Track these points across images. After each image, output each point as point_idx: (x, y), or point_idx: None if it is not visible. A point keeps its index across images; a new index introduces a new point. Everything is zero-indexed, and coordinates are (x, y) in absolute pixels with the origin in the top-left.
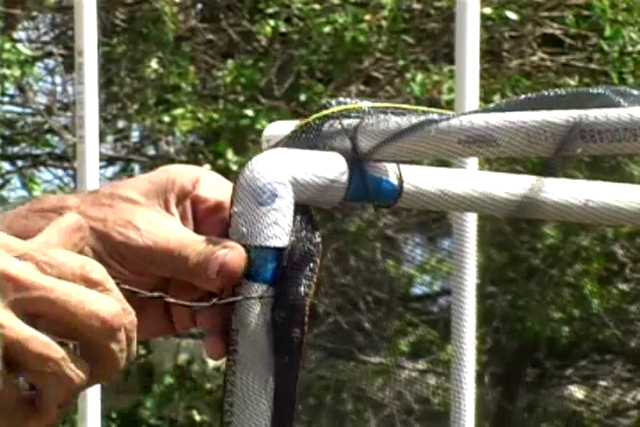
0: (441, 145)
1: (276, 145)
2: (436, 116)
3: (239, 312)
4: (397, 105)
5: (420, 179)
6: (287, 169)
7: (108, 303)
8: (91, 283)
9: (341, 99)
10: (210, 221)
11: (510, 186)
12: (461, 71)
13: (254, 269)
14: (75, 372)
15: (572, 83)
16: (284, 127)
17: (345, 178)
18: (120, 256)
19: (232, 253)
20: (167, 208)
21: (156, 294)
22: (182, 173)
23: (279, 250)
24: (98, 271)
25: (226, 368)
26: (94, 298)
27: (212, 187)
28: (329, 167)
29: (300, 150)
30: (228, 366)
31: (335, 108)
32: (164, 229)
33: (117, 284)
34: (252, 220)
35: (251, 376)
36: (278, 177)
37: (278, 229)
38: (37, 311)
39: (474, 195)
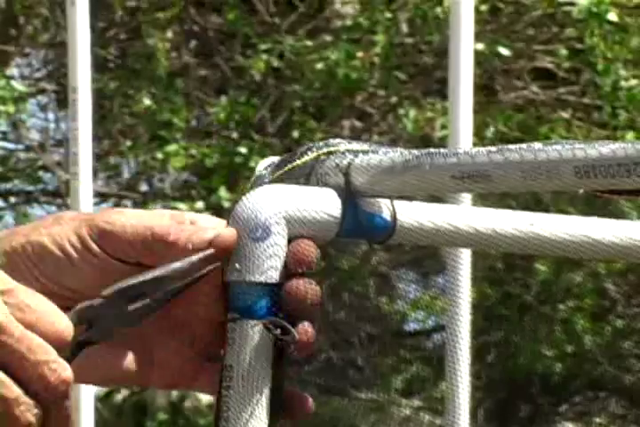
0: (434, 181)
1: (269, 181)
2: (429, 152)
3: (234, 348)
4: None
5: (413, 215)
6: (281, 205)
7: (62, 370)
8: (57, 343)
9: (332, 140)
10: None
11: (504, 222)
12: (455, 108)
13: (249, 304)
14: (24, 415)
15: (566, 116)
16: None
17: (338, 214)
18: (101, 236)
19: (225, 229)
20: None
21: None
22: (181, 211)
23: (274, 286)
24: (69, 333)
25: (218, 404)
26: (52, 361)
27: (210, 219)
28: (322, 203)
29: (293, 186)
30: (223, 402)
31: (327, 149)
32: (150, 217)
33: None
34: (247, 256)
35: (246, 413)
36: (272, 213)
37: (272, 265)
38: None
39: (468, 231)
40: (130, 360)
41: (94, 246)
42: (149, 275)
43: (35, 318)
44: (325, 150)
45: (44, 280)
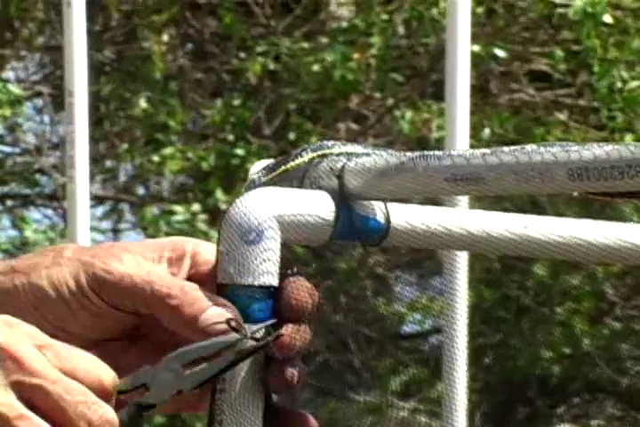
0: (428, 183)
1: (263, 184)
2: (424, 154)
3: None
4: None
5: (407, 217)
6: (274, 207)
7: (104, 411)
8: (99, 391)
9: (326, 142)
10: (209, 284)
11: (497, 224)
12: (452, 110)
13: (242, 308)
14: None
15: (562, 118)
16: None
17: (332, 216)
18: (99, 285)
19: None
20: (159, 262)
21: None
22: (184, 239)
23: (267, 289)
24: (112, 382)
25: (212, 407)
26: (92, 402)
27: (213, 252)
28: (316, 206)
29: (286, 189)
30: (216, 405)
31: (321, 152)
32: (148, 269)
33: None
34: (239, 258)
35: (240, 415)
36: (265, 216)
37: (266, 267)
38: (31, 398)
39: (461, 233)
40: None
41: (92, 294)
42: (206, 342)
43: (73, 366)
44: (319, 153)
45: (44, 322)
